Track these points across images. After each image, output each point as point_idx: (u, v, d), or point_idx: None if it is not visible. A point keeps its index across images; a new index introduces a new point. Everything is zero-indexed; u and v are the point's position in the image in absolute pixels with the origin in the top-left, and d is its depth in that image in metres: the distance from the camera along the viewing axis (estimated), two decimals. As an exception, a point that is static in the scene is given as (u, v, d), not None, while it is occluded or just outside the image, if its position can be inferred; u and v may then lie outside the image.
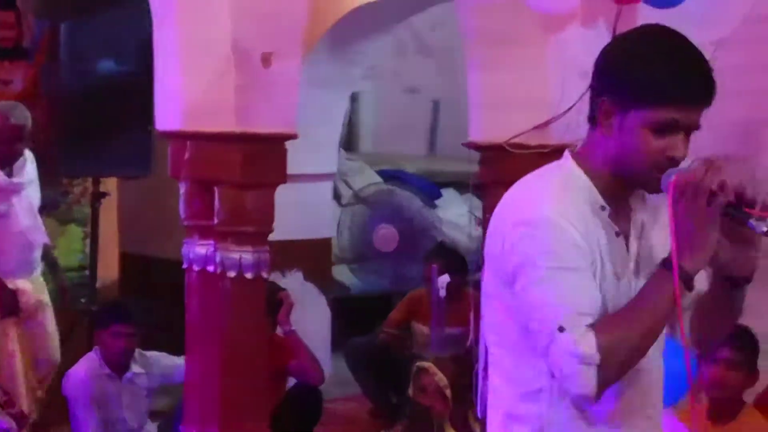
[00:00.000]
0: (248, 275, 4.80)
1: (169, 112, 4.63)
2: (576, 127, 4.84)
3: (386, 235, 7.20)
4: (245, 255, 4.81)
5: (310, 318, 7.35)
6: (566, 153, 2.47)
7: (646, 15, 4.85)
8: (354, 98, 9.61)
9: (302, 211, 7.32)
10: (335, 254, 7.82)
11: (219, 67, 4.40)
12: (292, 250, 7.32)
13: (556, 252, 2.30)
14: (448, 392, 4.74)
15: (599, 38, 4.80)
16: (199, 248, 4.74)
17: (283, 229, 7.26)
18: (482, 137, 5.12)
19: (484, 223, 5.22)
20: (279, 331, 5.74)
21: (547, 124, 4.85)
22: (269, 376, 5.23)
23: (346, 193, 8.10)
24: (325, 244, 7.56)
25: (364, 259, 7.56)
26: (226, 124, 4.47)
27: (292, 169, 7.25)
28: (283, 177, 4.91)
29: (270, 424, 5.03)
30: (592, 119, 2.41)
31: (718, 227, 2.26)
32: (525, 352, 2.37)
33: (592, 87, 2.41)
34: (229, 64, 4.40)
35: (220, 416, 4.83)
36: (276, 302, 5.58)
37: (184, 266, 4.80)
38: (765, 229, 2.21)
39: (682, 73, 2.30)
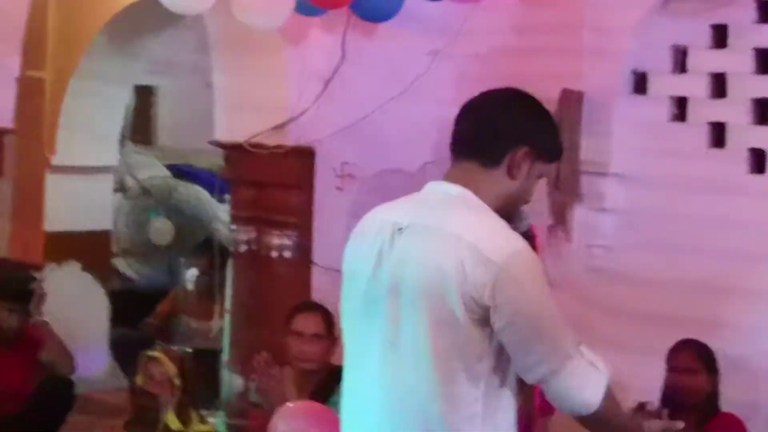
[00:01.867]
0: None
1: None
2: (311, 130, 5.07)
3: (161, 229, 7.29)
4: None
5: (88, 309, 7.41)
6: (462, 190, 2.67)
7: (377, 27, 5.10)
8: (152, 92, 9.65)
9: (81, 202, 7.38)
10: (120, 246, 7.87)
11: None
12: (69, 242, 7.37)
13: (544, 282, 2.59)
14: (177, 381, 4.86)
15: (336, 46, 5.04)
16: None
17: (60, 221, 7.34)
18: (226, 137, 5.29)
19: (232, 218, 5.41)
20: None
21: (283, 125, 5.06)
22: (20, 366, 5.28)
23: (132, 186, 8.16)
24: (104, 236, 7.61)
25: (141, 252, 7.62)
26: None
27: (70, 161, 7.35)
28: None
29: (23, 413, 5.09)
30: (494, 161, 2.65)
31: None
32: (476, 379, 2.56)
33: (502, 135, 2.68)
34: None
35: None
36: (28, 292, 5.63)
37: None
38: None
39: (560, 138, 2.80)
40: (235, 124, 5.21)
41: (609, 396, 2.59)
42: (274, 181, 5.14)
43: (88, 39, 7.05)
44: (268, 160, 5.08)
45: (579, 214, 5.01)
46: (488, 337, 2.54)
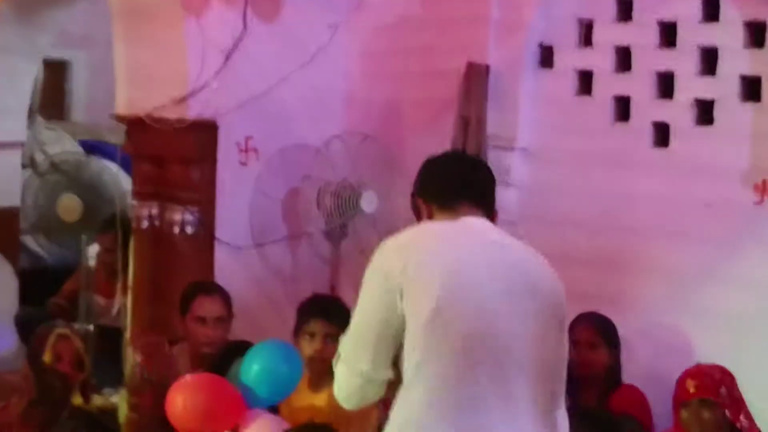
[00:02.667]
0: None
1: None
2: (213, 103, 4.97)
3: (70, 205, 7.13)
4: None
5: (-3, 286, 7.26)
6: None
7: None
8: (64, 66, 9.47)
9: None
10: (29, 223, 7.71)
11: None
12: (-25, 219, 7.22)
13: None
14: (86, 358, 4.78)
15: (237, 18, 4.94)
16: None
17: (-35, 198, 7.18)
18: (126, 110, 5.17)
19: (133, 194, 5.30)
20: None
21: (185, 98, 4.95)
22: None
23: (42, 162, 7.99)
24: (11, 212, 7.45)
25: (49, 229, 7.46)
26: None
27: (-26, 136, 7.18)
28: None
29: None
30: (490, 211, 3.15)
31: None
32: None
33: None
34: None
35: None
36: None
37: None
38: None
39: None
40: (136, 97, 5.09)
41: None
42: (176, 155, 5.04)
43: (-7, 10, 6.89)
44: (169, 134, 4.97)
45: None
46: None
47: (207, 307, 4.59)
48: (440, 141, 4.64)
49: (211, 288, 4.72)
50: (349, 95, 5.29)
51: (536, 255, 3.04)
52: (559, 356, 2.97)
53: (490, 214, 3.13)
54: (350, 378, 2.92)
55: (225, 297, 4.65)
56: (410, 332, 2.81)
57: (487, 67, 4.91)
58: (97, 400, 4.80)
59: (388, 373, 2.88)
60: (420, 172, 3.18)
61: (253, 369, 3.95)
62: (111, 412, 4.59)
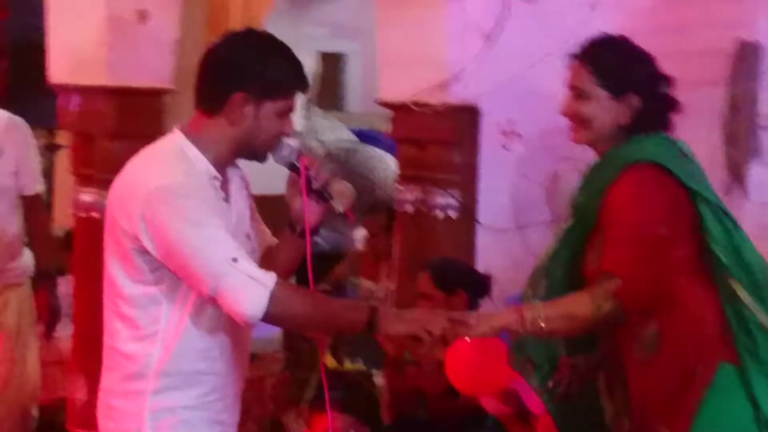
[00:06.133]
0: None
1: (58, 66, 4.82)
2: (474, 86, 4.99)
3: (343, 191, 7.28)
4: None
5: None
6: (176, 131, 2.89)
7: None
8: (339, 59, 9.73)
9: (263, 168, 7.47)
10: (303, 210, 7.94)
11: (95, 22, 4.57)
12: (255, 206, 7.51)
13: (197, 208, 2.76)
14: None
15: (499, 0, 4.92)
16: (84, 195, 4.93)
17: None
18: (390, 95, 5.25)
19: (398, 178, 5.38)
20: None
21: (446, 82, 4.97)
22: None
23: (315, 147, 8.23)
24: (284, 200, 7.70)
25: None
26: (99, 77, 4.65)
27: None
28: (159, 129, 5.06)
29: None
30: (211, 109, 2.84)
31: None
32: (147, 302, 2.85)
33: (217, 83, 2.85)
34: (103, 19, 4.57)
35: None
36: None
37: (74, 213, 5.00)
38: (341, 209, 3.05)
39: (297, 69, 2.93)
40: (398, 83, 5.16)
41: (285, 301, 2.78)
42: (437, 139, 5.07)
43: (268, 6, 7.15)
44: (431, 118, 5.02)
45: (756, 171, 4.78)
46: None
47: (418, 283, 4.68)
48: (704, 122, 4.48)
49: (425, 266, 4.78)
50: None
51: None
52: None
53: (213, 111, 2.88)
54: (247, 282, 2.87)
55: (435, 274, 4.70)
56: None
57: (759, 45, 4.70)
58: (347, 364, 4.93)
59: None
60: None
61: None
62: (364, 374, 4.75)
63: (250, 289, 2.74)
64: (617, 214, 3.12)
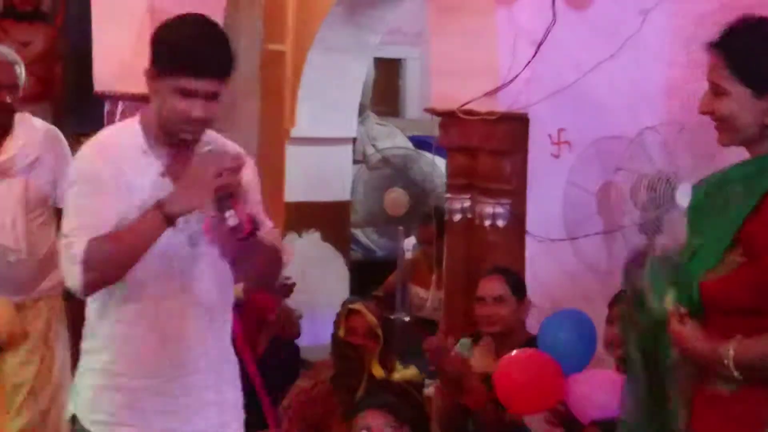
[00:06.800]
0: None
1: (102, 73, 4.84)
2: (524, 94, 4.94)
3: (397, 199, 7.30)
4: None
5: (329, 278, 7.54)
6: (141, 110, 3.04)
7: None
8: (397, 64, 9.70)
9: (319, 173, 7.52)
10: (359, 217, 7.96)
11: (137, 29, 4.58)
12: (309, 212, 7.53)
13: (77, 181, 2.96)
14: (379, 332, 4.89)
15: (547, 7, 4.87)
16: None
17: (300, 191, 7.51)
18: (439, 103, 5.22)
19: (447, 187, 5.34)
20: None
21: (496, 91, 4.93)
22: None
23: (372, 157, 8.23)
24: (342, 206, 7.72)
25: (378, 222, 7.68)
26: (142, 85, 4.64)
27: (309, 131, 7.49)
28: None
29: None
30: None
31: (206, 204, 2.81)
32: None
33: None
34: (145, 26, 4.59)
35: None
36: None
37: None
38: (232, 224, 2.76)
39: (191, 51, 2.87)
40: (448, 90, 5.12)
41: (94, 264, 2.83)
42: (487, 148, 5.02)
43: (324, 11, 7.15)
44: (480, 126, 4.97)
45: None
46: None
47: (485, 286, 4.65)
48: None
49: (494, 270, 4.74)
50: (664, 84, 5.10)
51: None
52: None
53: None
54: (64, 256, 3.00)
55: (509, 278, 4.64)
56: None
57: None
58: (397, 374, 4.90)
59: None
60: None
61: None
62: (413, 384, 4.73)
63: (67, 267, 2.89)
64: None
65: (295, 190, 7.46)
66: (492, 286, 4.62)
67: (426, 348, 4.41)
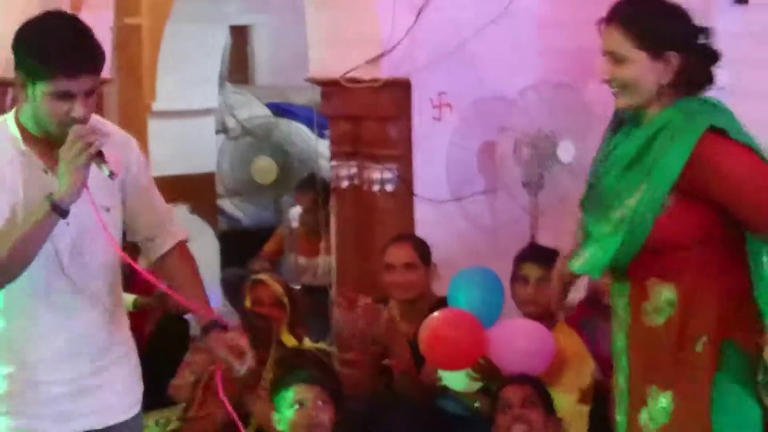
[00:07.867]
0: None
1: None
2: (406, 61, 5.01)
3: (264, 168, 7.31)
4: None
5: (198, 251, 7.46)
6: (16, 108, 2.98)
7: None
8: (247, 31, 9.65)
9: (184, 146, 7.45)
10: (225, 187, 7.93)
11: (30, 12, 4.48)
12: (176, 185, 7.44)
13: None
14: (285, 300, 4.92)
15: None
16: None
17: (165, 165, 7.41)
18: (321, 73, 5.25)
19: (332, 154, 5.39)
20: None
21: (378, 58, 4.99)
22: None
23: (233, 127, 8.20)
24: (208, 177, 7.68)
25: (246, 192, 7.67)
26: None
27: (171, 104, 7.40)
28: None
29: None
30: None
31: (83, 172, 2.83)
32: None
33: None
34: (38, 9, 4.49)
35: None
36: None
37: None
38: (108, 174, 2.84)
39: (61, 53, 2.80)
40: (329, 59, 5.16)
41: None
42: (372, 114, 5.09)
43: (180, -19, 7.06)
44: (364, 94, 5.03)
45: None
46: None
47: (394, 253, 4.69)
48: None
49: (401, 237, 4.81)
50: (542, 44, 5.25)
51: None
52: None
53: None
54: None
55: (417, 244, 4.72)
56: None
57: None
58: (307, 343, 4.95)
59: None
60: None
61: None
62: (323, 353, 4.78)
63: None
64: (733, 178, 2.90)
65: (160, 165, 7.34)
66: (401, 253, 4.67)
67: (361, 311, 4.46)
